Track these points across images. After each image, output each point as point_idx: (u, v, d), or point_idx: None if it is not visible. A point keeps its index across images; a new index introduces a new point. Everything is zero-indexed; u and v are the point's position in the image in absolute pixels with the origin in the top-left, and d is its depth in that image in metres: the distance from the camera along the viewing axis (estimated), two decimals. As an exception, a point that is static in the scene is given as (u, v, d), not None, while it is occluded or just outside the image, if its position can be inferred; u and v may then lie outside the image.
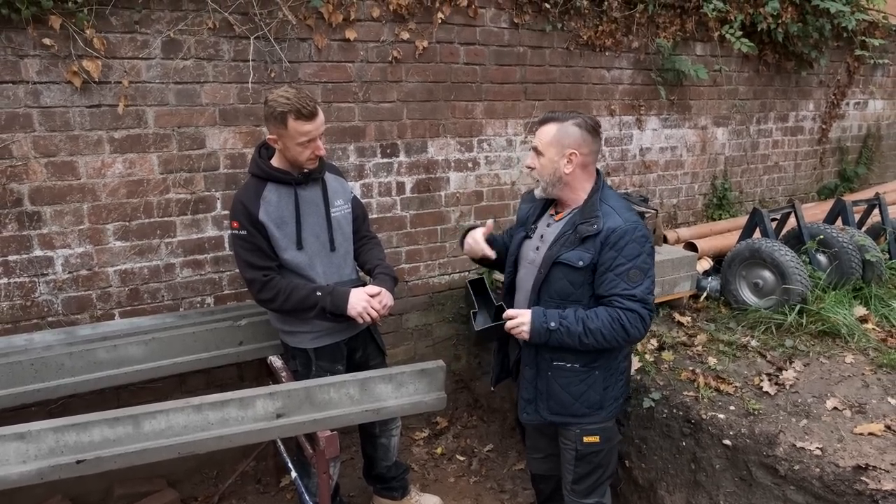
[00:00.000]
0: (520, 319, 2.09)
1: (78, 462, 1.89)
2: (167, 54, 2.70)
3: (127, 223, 2.78)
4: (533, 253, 2.23)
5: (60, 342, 2.50)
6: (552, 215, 2.23)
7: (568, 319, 2.05)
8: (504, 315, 2.17)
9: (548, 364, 2.18)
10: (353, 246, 2.61)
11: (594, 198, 2.11)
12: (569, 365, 2.15)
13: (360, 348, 2.64)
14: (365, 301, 2.37)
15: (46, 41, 2.44)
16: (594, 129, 2.09)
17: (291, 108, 2.16)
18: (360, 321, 2.39)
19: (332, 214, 2.44)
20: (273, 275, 2.32)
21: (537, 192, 2.20)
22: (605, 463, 2.28)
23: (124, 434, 1.95)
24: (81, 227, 2.69)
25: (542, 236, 2.22)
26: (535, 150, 2.14)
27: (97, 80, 2.57)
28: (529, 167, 2.18)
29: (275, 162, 2.35)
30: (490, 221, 2.39)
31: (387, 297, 2.43)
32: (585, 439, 2.21)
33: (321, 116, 2.26)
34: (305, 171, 2.36)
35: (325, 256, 2.43)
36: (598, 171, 2.19)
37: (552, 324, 2.05)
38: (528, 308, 2.14)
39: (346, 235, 2.53)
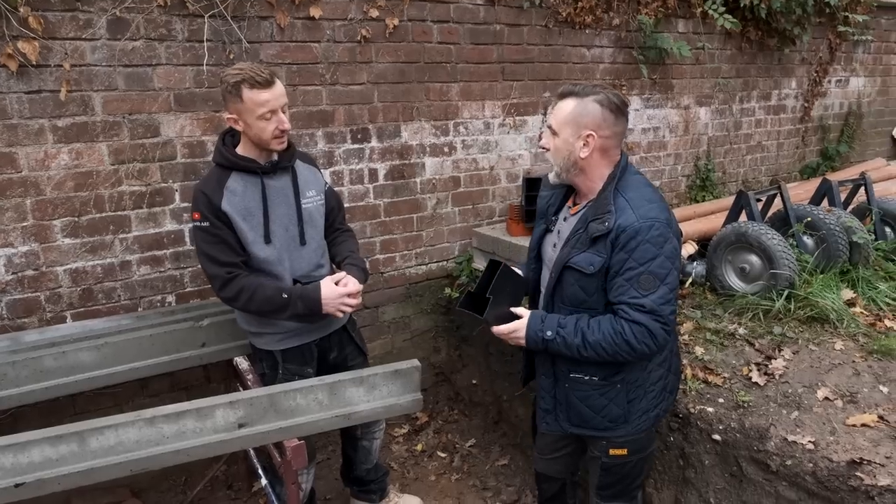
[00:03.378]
0: (514, 325, 1.91)
1: (16, 486, 1.73)
2: (114, 35, 2.49)
3: (76, 219, 2.58)
4: (551, 251, 1.98)
5: (4, 350, 2.31)
6: (569, 207, 1.98)
7: (566, 329, 1.83)
8: (513, 309, 1.95)
9: (565, 375, 1.96)
10: (329, 237, 2.44)
11: (608, 189, 1.82)
12: (587, 377, 1.92)
13: (335, 348, 2.49)
14: (338, 298, 2.20)
15: (-25, 21, 2.23)
16: (619, 108, 1.79)
17: (244, 77, 1.99)
18: (339, 316, 2.25)
19: (304, 206, 2.26)
20: (238, 272, 2.14)
21: (551, 178, 1.92)
22: (635, 474, 2.09)
23: (69, 453, 1.78)
24: (25, 223, 2.49)
25: (559, 232, 1.97)
26: (550, 128, 1.85)
27: (35, 63, 2.35)
28: (544, 147, 1.89)
29: (240, 150, 2.17)
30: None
31: (352, 283, 2.25)
32: (612, 452, 1.99)
33: (279, 86, 2.07)
34: (274, 158, 2.18)
35: (295, 251, 2.26)
36: (622, 154, 1.89)
37: (548, 333, 1.84)
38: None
39: (319, 229, 2.35)
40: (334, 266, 2.46)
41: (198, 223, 2.12)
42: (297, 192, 2.25)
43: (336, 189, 3.07)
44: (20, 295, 2.53)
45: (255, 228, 2.16)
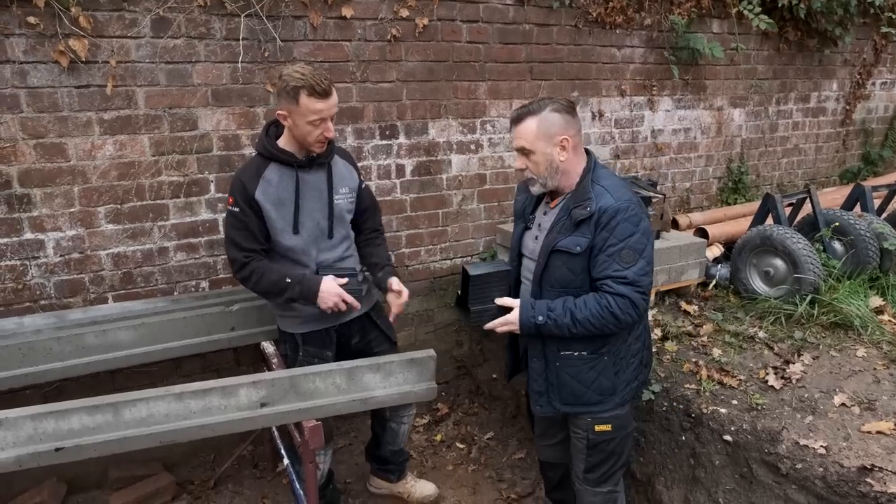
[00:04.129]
0: (506, 318, 2.06)
1: (56, 450, 1.88)
2: (156, 33, 2.64)
3: (119, 206, 2.74)
4: (532, 243, 2.16)
5: (50, 326, 2.48)
6: (547, 203, 2.16)
7: (555, 311, 1.99)
8: (499, 302, 2.09)
9: (555, 355, 2.12)
10: (359, 238, 2.54)
11: (586, 179, 2.02)
12: (576, 353, 2.09)
13: (357, 335, 2.58)
14: (335, 295, 2.29)
15: (31, 20, 2.39)
16: (570, 109, 2.01)
17: (305, 83, 2.09)
18: (334, 311, 2.34)
19: (336, 201, 2.37)
20: (255, 257, 2.26)
21: (535, 190, 2.11)
22: (619, 451, 2.22)
23: (104, 422, 1.92)
24: (72, 209, 2.66)
25: (539, 225, 2.16)
26: (522, 150, 2.02)
27: (84, 59, 2.51)
28: (520, 169, 2.07)
29: (281, 142, 2.28)
30: None
31: (405, 292, 2.42)
32: (597, 428, 2.15)
33: (335, 97, 2.18)
34: (312, 154, 2.29)
35: (323, 242, 2.37)
36: (587, 151, 2.10)
37: (539, 318, 2.00)
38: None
39: (347, 224, 2.46)
40: (364, 268, 2.55)
41: (230, 207, 2.25)
42: (331, 188, 2.35)
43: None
44: (66, 276, 2.71)
45: (285, 218, 2.27)
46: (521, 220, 2.24)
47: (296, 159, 2.26)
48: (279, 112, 2.20)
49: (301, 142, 2.23)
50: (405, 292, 2.45)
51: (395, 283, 2.45)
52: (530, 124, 1.98)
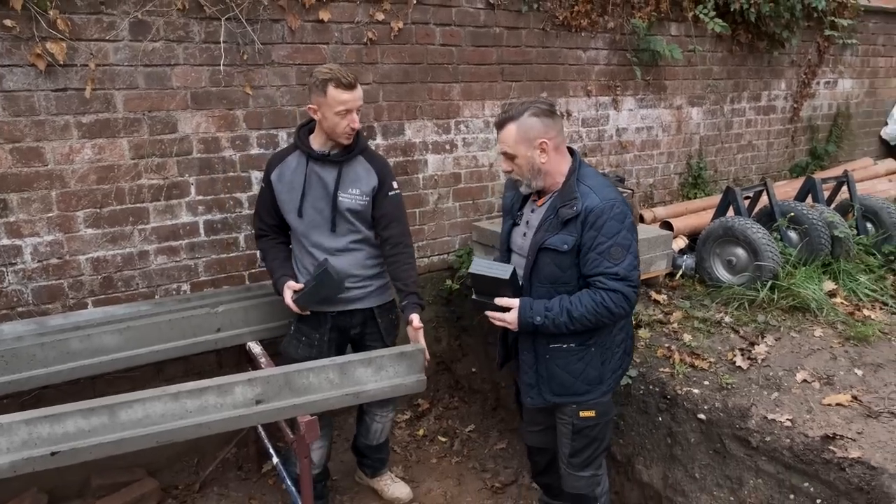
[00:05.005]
0: (505, 317, 2.14)
1: (52, 454, 1.87)
2: (135, 36, 2.63)
3: (98, 210, 2.72)
4: (521, 239, 2.25)
5: (31, 333, 2.45)
6: (534, 200, 2.25)
7: (552, 311, 2.08)
8: (498, 302, 2.16)
9: (545, 347, 2.21)
10: (385, 250, 2.57)
11: (571, 179, 2.12)
12: (565, 346, 2.18)
13: (358, 325, 2.65)
14: (286, 301, 2.48)
15: (7, 22, 2.36)
16: (550, 111, 2.09)
17: (333, 76, 2.29)
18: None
19: (340, 198, 2.46)
20: (267, 233, 2.60)
21: (523, 190, 2.21)
22: (601, 436, 2.32)
23: (100, 424, 1.93)
24: (50, 214, 2.62)
25: (527, 222, 2.25)
26: (505, 154, 2.13)
27: (62, 62, 2.49)
28: (506, 171, 2.19)
29: (312, 137, 2.49)
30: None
31: (416, 319, 2.52)
32: (582, 414, 2.24)
33: (359, 90, 2.37)
34: (333, 151, 2.45)
35: (325, 233, 2.50)
36: (572, 150, 2.20)
37: (537, 318, 2.09)
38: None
39: (355, 225, 2.51)
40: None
41: (261, 183, 2.62)
42: (337, 186, 2.45)
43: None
44: (45, 282, 2.67)
45: (293, 201, 2.48)
46: (510, 217, 2.33)
47: (311, 151, 2.45)
48: (309, 107, 2.38)
49: (330, 133, 2.39)
50: (420, 332, 2.53)
51: (416, 320, 2.51)
52: (511, 129, 2.07)
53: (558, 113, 2.15)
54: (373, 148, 2.79)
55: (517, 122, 2.07)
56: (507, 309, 2.15)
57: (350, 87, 2.31)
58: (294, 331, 2.61)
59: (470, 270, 2.17)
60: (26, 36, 2.41)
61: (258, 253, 2.58)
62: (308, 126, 2.52)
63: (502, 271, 2.11)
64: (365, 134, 3.33)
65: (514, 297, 2.15)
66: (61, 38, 2.46)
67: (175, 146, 2.82)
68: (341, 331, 2.63)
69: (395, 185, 2.57)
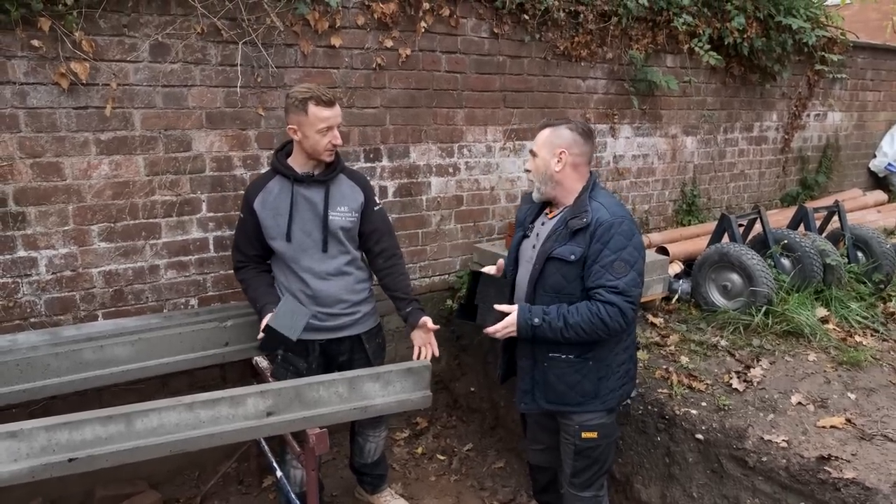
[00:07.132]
0: (506, 321, 2.20)
1: (70, 460, 1.90)
2: (155, 57, 2.73)
3: (112, 224, 2.78)
4: (530, 251, 2.33)
5: (45, 343, 2.49)
6: (546, 214, 2.35)
7: (550, 315, 2.15)
8: (497, 307, 2.23)
9: (544, 355, 2.27)
10: (376, 265, 2.64)
11: (584, 195, 2.22)
12: (563, 356, 2.24)
13: (346, 353, 2.67)
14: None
15: (35, 43, 2.45)
16: (585, 133, 2.24)
17: (312, 95, 2.32)
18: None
19: (331, 217, 2.48)
20: (247, 263, 2.56)
21: (534, 196, 2.33)
22: (603, 458, 2.35)
23: (116, 432, 1.96)
24: (66, 227, 2.68)
25: (537, 234, 2.33)
26: (532, 152, 2.29)
27: (85, 81, 2.58)
28: (528, 170, 2.32)
29: (291, 159, 2.49)
30: (501, 261, 2.46)
31: (429, 321, 2.59)
32: (584, 435, 2.28)
33: (338, 107, 2.40)
34: (315, 171, 2.46)
35: (316, 255, 2.49)
36: (591, 173, 2.31)
37: (535, 320, 2.15)
38: (526, 302, 2.26)
39: (344, 243, 2.53)
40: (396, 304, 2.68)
41: (240, 213, 2.56)
42: (327, 205, 2.48)
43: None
44: (58, 294, 2.72)
45: (280, 226, 2.45)
46: (521, 229, 2.42)
47: (294, 174, 2.45)
48: (289, 127, 2.39)
49: (311, 153, 2.41)
50: (430, 324, 2.59)
51: (429, 322, 2.57)
52: (545, 133, 2.26)
53: (594, 138, 2.30)
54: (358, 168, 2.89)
55: (553, 128, 2.25)
56: (503, 317, 2.22)
57: (330, 104, 2.34)
58: (281, 360, 2.60)
59: (482, 276, 2.26)
60: (51, 56, 2.50)
61: (241, 283, 2.56)
62: (284, 150, 2.52)
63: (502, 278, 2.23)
64: (372, 156, 3.44)
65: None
66: (85, 58, 2.55)
67: (189, 164, 2.90)
68: (329, 358, 2.64)
69: (377, 199, 2.67)
